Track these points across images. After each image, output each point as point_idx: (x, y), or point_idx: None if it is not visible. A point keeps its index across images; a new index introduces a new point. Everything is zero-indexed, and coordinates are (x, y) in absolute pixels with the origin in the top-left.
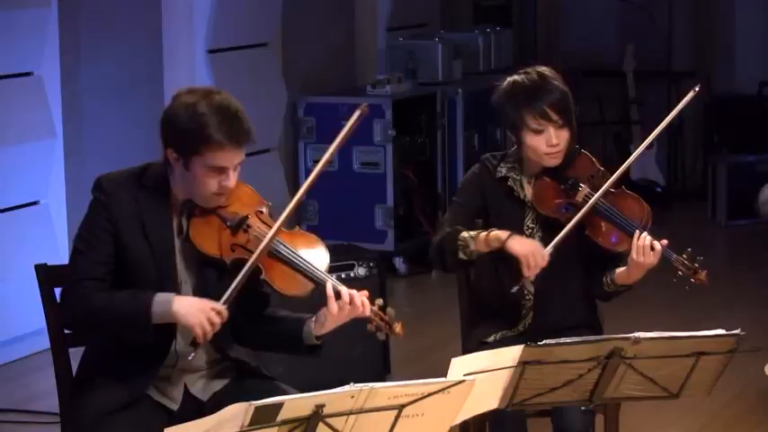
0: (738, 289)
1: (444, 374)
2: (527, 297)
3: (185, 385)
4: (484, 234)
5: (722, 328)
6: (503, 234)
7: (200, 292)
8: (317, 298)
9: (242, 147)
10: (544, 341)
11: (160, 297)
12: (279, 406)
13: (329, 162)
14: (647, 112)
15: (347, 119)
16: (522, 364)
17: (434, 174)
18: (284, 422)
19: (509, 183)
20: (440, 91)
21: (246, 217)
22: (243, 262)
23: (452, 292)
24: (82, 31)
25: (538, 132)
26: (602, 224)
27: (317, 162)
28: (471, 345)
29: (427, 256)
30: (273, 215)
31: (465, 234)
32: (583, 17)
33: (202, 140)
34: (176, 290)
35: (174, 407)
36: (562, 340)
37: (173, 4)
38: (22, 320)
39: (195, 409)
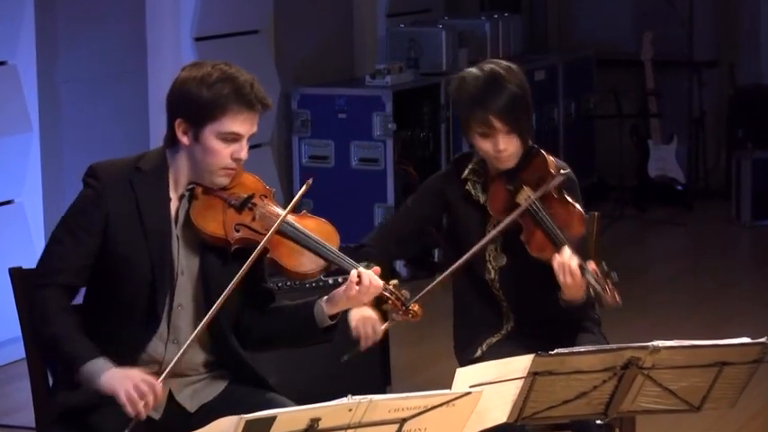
0: (764, 291)
1: (449, 386)
2: (502, 300)
3: (171, 392)
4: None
5: (747, 333)
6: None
7: (201, 279)
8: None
9: (258, 114)
10: (556, 350)
11: (92, 366)
12: (272, 420)
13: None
14: (666, 104)
15: (345, 111)
16: (533, 374)
17: (438, 170)
18: None
19: (467, 186)
20: (443, 81)
21: (252, 195)
22: (247, 244)
23: None
24: (60, 18)
25: (485, 136)
26: (534, 229)
27: (312, 158)
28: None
29: (430, 258)
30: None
31: None
32: (598, 2)
33: (219, 105)
34: (173, 280)
35: (156, 416)
36: (575, 349)
37: None
38: None
39: (181, 420)
